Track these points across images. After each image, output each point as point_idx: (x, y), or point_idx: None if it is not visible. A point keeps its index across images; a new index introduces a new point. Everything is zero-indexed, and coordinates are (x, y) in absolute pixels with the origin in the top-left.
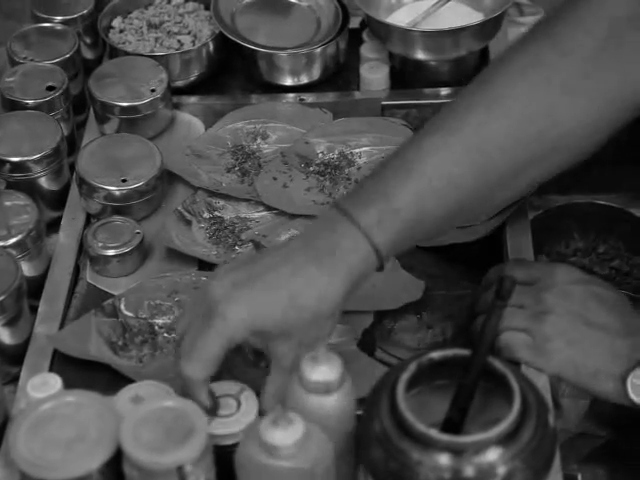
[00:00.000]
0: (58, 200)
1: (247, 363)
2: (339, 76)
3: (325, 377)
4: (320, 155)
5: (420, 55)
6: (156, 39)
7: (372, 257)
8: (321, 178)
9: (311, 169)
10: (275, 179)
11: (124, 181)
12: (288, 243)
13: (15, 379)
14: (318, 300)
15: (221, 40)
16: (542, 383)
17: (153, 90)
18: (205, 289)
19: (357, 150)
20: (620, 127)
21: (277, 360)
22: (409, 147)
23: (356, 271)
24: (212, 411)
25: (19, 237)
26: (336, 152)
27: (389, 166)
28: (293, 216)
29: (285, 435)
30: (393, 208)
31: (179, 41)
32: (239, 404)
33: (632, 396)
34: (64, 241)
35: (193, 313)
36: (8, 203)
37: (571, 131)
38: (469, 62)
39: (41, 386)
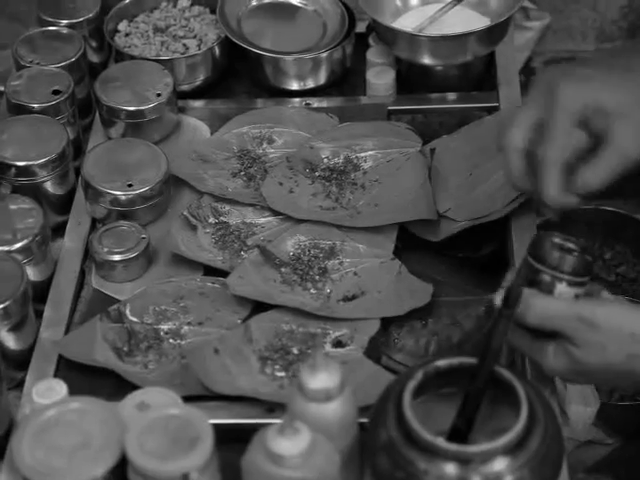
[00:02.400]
0: (63, 204)
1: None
2: (345, 81)
3: (324, 384)
4: (325, 160)
5: (426, 60)
6: (162, 43)
7: None
8: (327, 183)
9: (317, 174)
10: (281, 184)
11: (130, 186)
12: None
13: (20, 384)
14: None
15: (227, 44)
16: (549, 391)
17: (159, 94)
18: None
19: (362, 154)
20: None
21: (614, 143)
22: None
23: None
24: None
25: (24, 242)
26: (341, 157)
27: None
28: (299, 221)
29: (291, 445)
30: None
31: (185, 45)
32: None
33: None
34: (69, 246)
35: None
36: (13, 207)
37: None
38: (476, 67)
39: (46, 392)
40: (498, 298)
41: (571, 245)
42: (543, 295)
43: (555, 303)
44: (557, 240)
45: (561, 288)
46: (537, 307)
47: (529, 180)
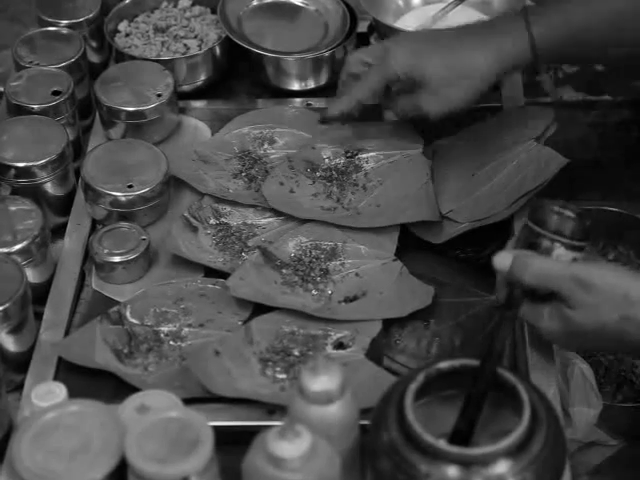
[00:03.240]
0: (63, 206)
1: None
2: None
3: (325, 387)
4: (327, 160)
5: None
6: (162, 43)
7: (526, 44)
8: (328, 184)
9: (318, 174)
10: (282, 184)
11: (130, 187)
12: (462, 26)
13: (19, 387)
14: (467, 63)
15: (228, 44)
16: (551, 393)
17: (159, 95)
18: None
19: (364, 155)
20: None
21: (419, 101)
22: None
23: (509, 53)
24: None
25: (24, 243)
26: (343, 157)
27: None
28: (300, 222)
29: (292, 447)
30: (561, 9)
31: (185, 45)
32: None
33: None
34: (69, 247)
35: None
36: (13, 209)
37: None
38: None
39: (45, 395)
40: (498, 260)
41: (570, 211)
42: (540, 256)
43: (552, 264)
44: (557, 206)
45: (559, 251)
46: (534, 267)
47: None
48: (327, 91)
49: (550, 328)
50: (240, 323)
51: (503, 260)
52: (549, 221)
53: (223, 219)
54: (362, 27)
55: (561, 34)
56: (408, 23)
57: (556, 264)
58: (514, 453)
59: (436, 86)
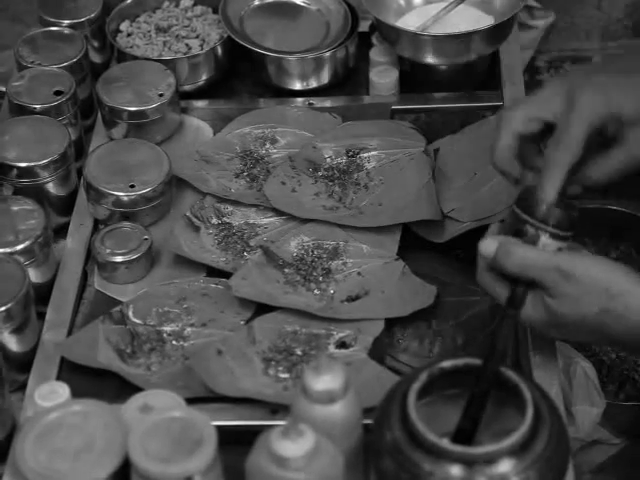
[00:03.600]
0: (66, 206)
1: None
2: (348, 80)
3: (328, 386)
4: (328, 160)
5: (430, 59)
6: (164, 43)
7: None
8: (330, 183)
9: (319, 174)
10: (284, 184)
11: (132, 187)
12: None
13: (22, 387)
14: None
15: (229, 44)
16: (554, 392)
17: (161, 94)
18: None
19: (366, 154)
20: None
21: (626, 146)
22: None
23: None
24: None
25: (26, 243)
26: (344, 157)
27: None
28: (302, 222)
29: (295, 447)
30: None
31: (187, 45)
32: None
33: None
34: (72, 247)
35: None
36: (15, 209)
37: None
38: (479, 66)
39: (49, 394)
40: (483, 246)
41: (558, 200)
42: (524, 244)
43: (535, 253)
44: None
45: (545, 240)
46: (517, 255)
47: (513, 163)
48: (328, 91)
49: (531, 316)
50: (242, 322)
51: (488, 246)
52: (536, 209)
53: (225, 219)
54: (364, 26)
55: None
56: (409, 22)
57: (539, 254)
58: (517, 452)
59: None
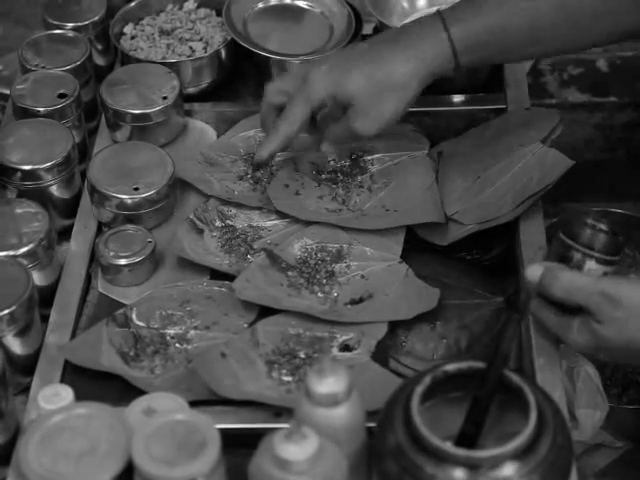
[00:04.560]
0: (69, 208)
1: (260, 374)
2: None
3: (332, 389)
4: (332, 162)
5: None
6: (168, 46)
7: (447, 49)
8: (333, 186)
9: (323, 177)
10: (287, 186)
11: (136, 189)
12: (376, 37)
13: (26, 390)
14: (389, 74)
15: (233, 47)
16: (558, 395)
17: (165, 97)
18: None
19: (369, 157)
20: None
21: (351, 124)
22: None
23: (429, 58)
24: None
25: (30, 246)
26: (348, 159)
27: None
28: (305, 224)
29: (299, 450)
30: (477, 11)
31: (191, 48)
32: None
33: None
34: (75, 250)
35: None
36: (19, 211)
37: None
38: (482, 69)
39: (52, 397)
40: (529, 271)
41: (603, 225)
42: (570, 270)
43: (581, 278)
44: (590, 219)
45: (591, 265)
46: (564, 280)
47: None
48: None
49: (578, 341)
50: (246, 325)
51: (534, 272)
52: (582, 235)
53: (229, 221)
54: (367, 29)
55: (479, 34)
56: None
57: (585, 278)
58: (521, 455)
59: (364, 104)
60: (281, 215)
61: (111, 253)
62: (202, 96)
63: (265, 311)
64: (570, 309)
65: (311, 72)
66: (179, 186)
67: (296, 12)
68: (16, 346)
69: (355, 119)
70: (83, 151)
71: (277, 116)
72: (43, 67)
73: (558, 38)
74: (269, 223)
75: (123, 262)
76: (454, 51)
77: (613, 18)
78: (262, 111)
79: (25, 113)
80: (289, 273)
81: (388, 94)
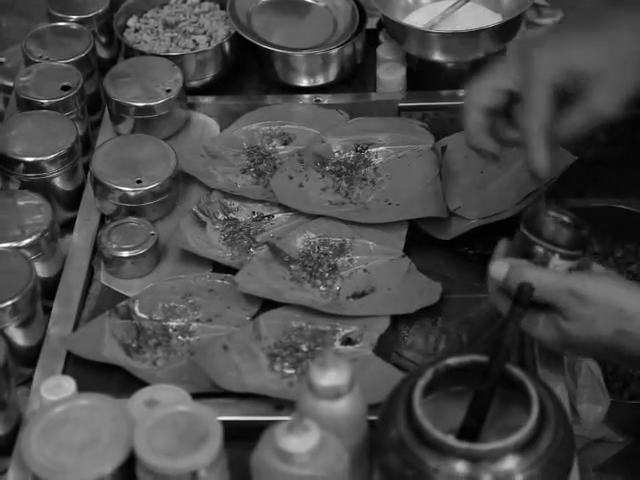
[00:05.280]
0: (72, 201)
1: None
2: (355, 77)
3: (334, 382)
4: (336, 154)
5: (437, 57)
6: (172, 39)
7: None
8: (337, 178)
9: (327, 169)
10: (291, 178)
11: (139, 182)
12: (587, 9)
13: (28, 381)
14: (619, 41)
15: (237, 40)
16: (559, 389)
17: (168, 90)
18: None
19: (374, 150)
20: None
21: (589, 102)
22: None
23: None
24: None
25: (33, 238)
26: (352, 152)
27: None
28: (308, 218)
29: (300, 442)
30: None
31: (194, 41)
32: None
33: None
34: (78, 242)
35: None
36: (22, 203)
37: None
38: (487, 64)
39: (54, 388)
40: (493, 268)
41: (566, 219)
42: (536, 267)
43: (547, 276)
44: (553, 213)
45: (555, 261)
46: (530, 278)
47: (486, 140)
48: (336, 87)
49: (545, 337)
50: (248, 318)
51: (499, 269)
52: (545, 230)
53: (231, 214)
54: (371, 23)
55: None
56: (417, 20)
57: (552, 276)
58: (522, 449)
59: (603, 78)
60: (284, 208)
61: (114, 245)
62: (205, 89)
63: (267, 304)
64: (536, 304)
65: (534, 53)
66: (182, 179)
67: (300, 6)
68: (19, 337)
69: (595, 97)
70: (86, 143)
71: (488, 124)
72: (47, 59)
73: None
74: (273, 216)
75: (126, 254)
76: None
77: None
78: (471, 121)
79: (29, 105)
80: (292, 266)
81: (626, 63)
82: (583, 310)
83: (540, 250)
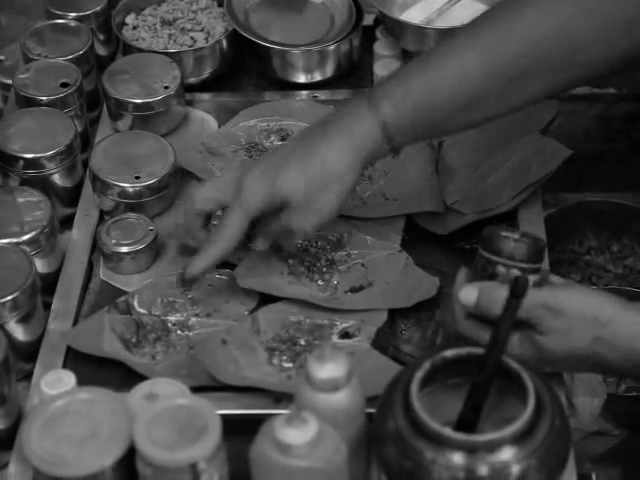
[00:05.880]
0: (71, 197)
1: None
2: (352, 73)
3: (332, 374)
4: None
5: None
6: (169, 36)
7: (379, 132)
8: None
9: None
10: None
11: (137, 178)
12: (306, 129)
13: (28, 375)
14: (322, 169)
15: (234, 37)
16: (556, 382)
17: (166, 87)
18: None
19: None
20: (633, 55)
21: (284, 222)
22: (430, 51)
23: (362, 146)
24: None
25: (33, 234)
26: None
27: (411, 61)
28: None
29: (299, 434)
30: (405, 88)
31: (192, 38)
32: None
33: None
34: (77, 238)
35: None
36: (21, 200)
37: (586, 47)
38: None
39: (54, 383)
40: (463, 295)
41: (520, 235)
42: (504, 287)
43: None
44: (506, 232)
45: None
46: (501, 297)
47: (188, 233)
48: (333, 84)
49: (522, 355)
50: (247, 313)
51: (468, 294)
52: (504, 248)
53: None
54: (368, 20)
55: (407, 110)
56: (414, 16)
57: None
58: (519, 440)
59: (303, 202)
60: None
61: (113, 241)
62: (203, 86)
63: (266, 299)
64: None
65: (245, 179)
66: (180, 175)
67: (297, 3)
68: (19, 332)
69: (293, 218)
70: (85, 140)
71: (203, 223)
72: (45, 56)
73: (486, 106)
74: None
75: (125, 250)
76: (386, 131)
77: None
78: (187, 219)
79: (28, 102)
80: (290, 261)
81: (327, 187)
82: (558, 322)
83: (502, 269)
